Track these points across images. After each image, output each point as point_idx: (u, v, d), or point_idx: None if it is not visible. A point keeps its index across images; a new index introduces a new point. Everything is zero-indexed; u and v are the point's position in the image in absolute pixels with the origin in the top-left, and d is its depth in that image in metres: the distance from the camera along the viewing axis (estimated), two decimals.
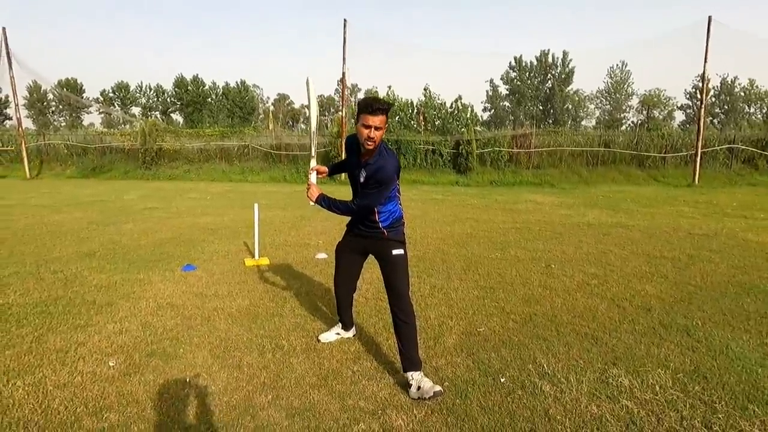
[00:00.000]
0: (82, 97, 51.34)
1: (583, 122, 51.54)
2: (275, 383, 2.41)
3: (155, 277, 4.29)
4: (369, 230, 2.52)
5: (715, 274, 4.42)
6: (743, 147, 16.05)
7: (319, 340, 2.88)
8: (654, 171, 16.05)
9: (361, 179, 2.37)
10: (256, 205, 5.04)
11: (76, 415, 2.11)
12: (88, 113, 54.80)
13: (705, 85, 16.08)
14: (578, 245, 5.71)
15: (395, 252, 2.46)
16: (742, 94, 50.82)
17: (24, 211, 8.53)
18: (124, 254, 5.16)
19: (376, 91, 19.32)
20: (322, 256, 5.10)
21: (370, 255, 2.63)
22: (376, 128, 2.24)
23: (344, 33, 15.41)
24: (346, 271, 2.76)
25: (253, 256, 4.94)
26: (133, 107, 54.60)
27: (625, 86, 51.14)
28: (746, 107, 51.05)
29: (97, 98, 54.49)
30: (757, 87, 49.95)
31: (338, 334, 2.92)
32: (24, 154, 17.99)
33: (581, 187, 14.17)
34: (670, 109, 50.29)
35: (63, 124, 52.45)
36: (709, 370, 2.53)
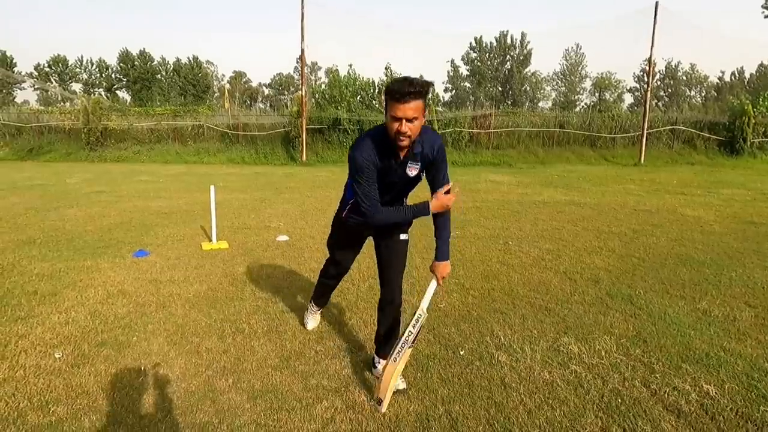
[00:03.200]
0: (13, 72, 46.80)
1: (540, 103, 53.03)
2: (236, 367, 2.37)
3: (104, 264, 4.06)
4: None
5: (656, 247, 4.74)
6: (684, 128, 17.13)
7: (306, 327, 2.79)
8: (604, 151, 16.85)
9: (412, 173, 1.97)
10: (212, 187, 4.86)
11: (20, 410, 1.99)
12: (21, 89, 50.14)
13: (651, 69, 16.91)
14: (534, 222, 5.94)
15: (403, 237, 2.21)
16: (684, 78, 53.98)
17: None
18: (68, 241, 4.84)
19: (337, 70, 18.84)
20: (283, 238, 5.02)
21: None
22: (410, 120, 1.73)
23: (302, 8, 14.85)
24: (343, 267, 2.53)
25: (211, 240, 4.78)
26: (73, 83, 50.47)
27: (580, 69, 52.90)
28: (687, 90, 54.36)
29: (31, 73, 49.90)
30: (697, 71, 53.23)
31: (317, 316, 2.83)
32: None
33: (538, 167, 14.66)
34: (620, 91, 52.66)
35: None
36: (649, 335, 2.73)
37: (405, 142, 1.79)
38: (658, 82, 50.57)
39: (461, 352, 2.53)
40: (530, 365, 2.40)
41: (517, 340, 2.67)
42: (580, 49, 52.20)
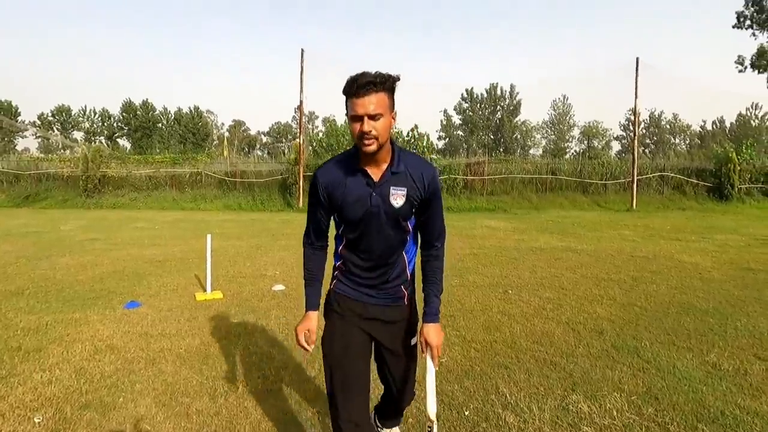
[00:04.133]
0: (17, 121, 47.87)
1: (531, 150, 54.66)
2: (228, 431, 2.23)
3: (93, 316, 3.93)
4: (382, 293, 1.63)
5: (657, 295, 4.69)
6: (672, 175, 17.58)
7: None
8: (596, 197, 17.16)
9: (397, 201, 1.50)
10: (208, 236, 4.82)
11: None
12: (22, 137, 51.03)
13: (636, 119, 17.63)
14: (533, 270, 5.90)
15: (414, 340, 1.71)
16: (668, 126, 56.27)
17: None
18: (57, 291, 4.71)
19: (334, 119, 19.49)
20: (279, 288, 4.92)
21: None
22: (372, 116, 1.39)
23: (302, 62, 15.57)
24: (357, 387, 1.61)
25: (205, 290, 4.67)
26: (75, 132, 51.60)
27: (567, 118, 55.07)
28: (672, 138, 56.46)
29: (34, 122, 51.08)
30: (680, 120, 55.60)
31: None
32: None
33: (532, 212, 14.82)
34: (607, 139, 54.59)
35: None
36: (660, 391, 2.63)
37: (371, 145, 1.41)
38: (644, 131, 52.56)
39: (466, 413, 2.40)
40: (539, 426, 2.27)
41: (524, 398, 2.55)
42: (567, 99, 54.63)
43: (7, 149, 44.39)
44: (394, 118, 1.48)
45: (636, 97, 16.33)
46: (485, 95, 53.03)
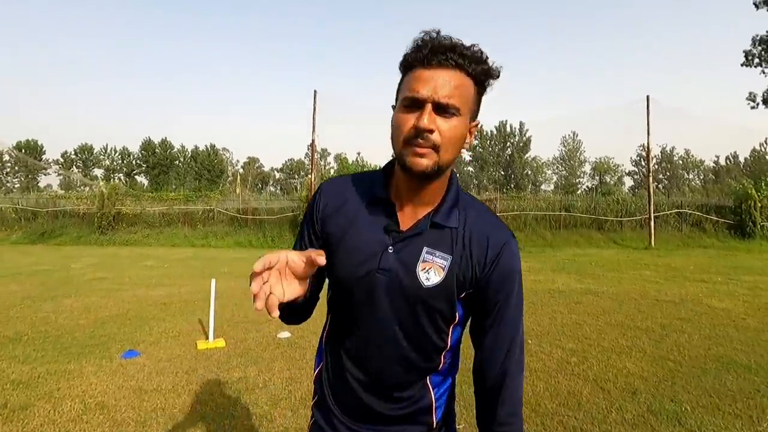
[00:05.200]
0: (41, 159, 49.74)
1: (542, 186, 54.56)
2: None
3: (88, 367, 3.73)
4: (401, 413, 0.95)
5: (690, 347, 4.33)
6: (690, 212, 17.15)
7: None
8: (612, 234, 16.73)
9: (429, 276, 0.87)
10: (213, 281, 4.66)
11: None
12: (45, 175, 52.86)
13: (649, 156, 17.45)
14: (552, 316, 5.58)
15: None
16: (681, 162, 55.92)
17: None
18: (56, 338, 4.54)
19: (345, 157, 19.72)
20: (284, 335, 4.69)
21: None
22: (443, 108, 0.81)
23: (314, 103, 15.94)
24: None
25: (207, 338, 4.46)
26: (96, 169, 53.31)
27: (578, 154, 55.21)
28: (685, 174, 55.96)
29: (57, 160, 52.99)
30: (692, 156, 55.26)
31: None
32: None
33: (547, 250, 14.45)
34: (619, 175, 54.30)
35: (17, 185, 50.18)
36: None
37: (424, 161, 0.81)
38: (656, 166, 52.30)
39: None
40: None
41: None
42: (577, 135, 54.99)
43: (29, 186, 45.91)
44: (471, 133, 0.89)
45: (648, 135, 16.24)
46: (495, 132, 53.74)
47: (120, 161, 54.08)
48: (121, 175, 52.47)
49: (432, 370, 0.94)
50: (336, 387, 0.97)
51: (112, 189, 18.10)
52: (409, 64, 0.83)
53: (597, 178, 53.63)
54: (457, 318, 0.90)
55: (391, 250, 0.87)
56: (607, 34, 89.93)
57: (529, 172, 54.76)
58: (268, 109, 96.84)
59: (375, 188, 0.92)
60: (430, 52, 0.80)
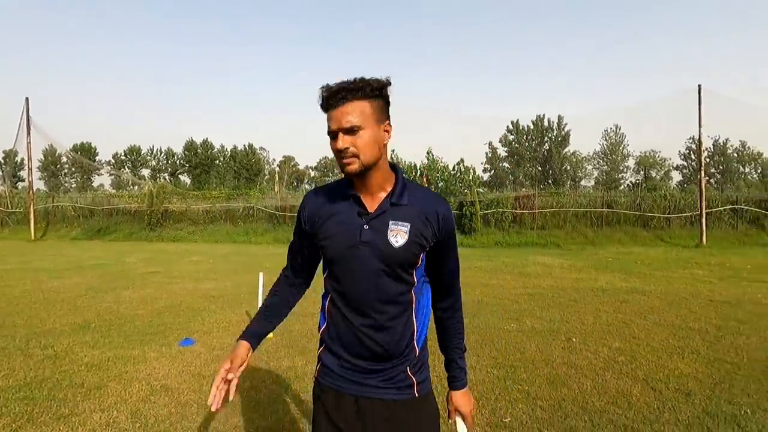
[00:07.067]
0: (95, 161, 53.06)
1: (582, 182, 52.59)
2: None
3: (151, 353, 4.02)
4: (380, 378, 1.25)
5: (749, 350, 4.11)
6: (747, 207, 16.07)
7: None
8: (660, 231, 15.96)
9: (397, 239, 1.19)
10: (261, 274, 4.87)
11: None
12: (98, 175, 56.40)
13: (700, 149, 16.48)
14: (596, 314, 5.44)
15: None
16: (735, 155, 52.23)
17: (22, 276, 8.35)
18: (119, 326, 4.91)
19: None
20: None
21: None
22: (349, 131, 1.15)
23: None
24: None
25: None
26: (143, 169, 56.26)
27: (621, 148, 52.76)
28: (741, 167, 52.23)
29: (109, 161, 56.34)
30: (748, 148, 51.48)
31: None
32: (31, 216, 18.15)
33: (588, 248, 13.99)
34: (666, 169, 51.45)
35: (74, 185, 53.84)
36: None
37: (352, 165, 1.16)
38: (708, 159, 49.11)
39: None
40: None
41: None
42: (620, 129, 52.54)
43: (85, 186, 49.10)
44: (387, 131, 1.21)
45: (699, 126, 15.33)
46: (531, 127, 52.26)
47: (165, 161, 56.84)
48: (166, 174, 55.17)
49: (405, 303, 1.26)
50: (339, 333, 1.26)
51: (161, 188, 19.11)
52: (323, 109, 1.20)
53: (642, 172, 51.09)
54: (419, 262, 1.26)
55: (366, 227, 1.21)
56: (652, 22, 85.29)
57: (568, 168, 52.89)
58: (303, 109, 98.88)
59: (344, 189, 1.26)
60: (326, 99, 1.17)
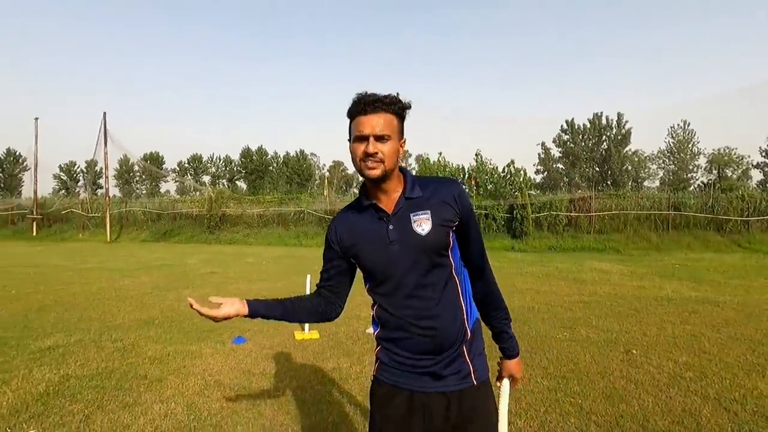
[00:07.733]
0: (162, 169, 57.30)
1: (645, 183, 49.06)
2: None
3: (206, 349, 4.25)
4: (439, 366, 1.30)
5: None
6: None
7: None
8: (737, 236, 14.50)
9: (423, 228, 1.27)
10: (308, 276, 5.00)
11: None
12: (165, 182, 60.83)
13: None
14: (660, 325, 5.03)
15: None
16: None
17: (99, 274, 9.18)
18: (180, 323, 5.24)
19: (428, 157, 19.75)
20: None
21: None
22: (380, 138, 1.25)
23: None
24: None
25: (303, 329, 4.81)
26: (204, 176, 59.97)
27: (690, 145, 48.62)
28: None
29: (174, 168, 60.64)
30: None
31: None
32: (107, 220, 19.94)
33: (652, 253, 13.01)
34: (744, 167, 46.68)
35: (144, 192, 58.47)
36: None
37: (376, 170, 1.25)
38: None
39: None
40: None
41: None
42: (689, 125, 48.49)
43: (153, 192, 53.16)
44: (402, 146, 1.33)
45: None
46: (588, 126, 49.59)
47: (224, 168, 60.25)
48: (224, 180, 58.47)
49: (451, 287, 1.33)
50: (391, 332, 1.33)
51: (219, 193, 20.27)
52: (352, 114, 1.29)
53: (715, 172, 46.73)
54: (451, 243, 1.33)
55: (391, 227, 1.30)
56: (719, 10, 77.98)
57: (629, 168, 49.50)
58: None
59: (361, 200, 1.36)
60: (363, 105, 1.27)
